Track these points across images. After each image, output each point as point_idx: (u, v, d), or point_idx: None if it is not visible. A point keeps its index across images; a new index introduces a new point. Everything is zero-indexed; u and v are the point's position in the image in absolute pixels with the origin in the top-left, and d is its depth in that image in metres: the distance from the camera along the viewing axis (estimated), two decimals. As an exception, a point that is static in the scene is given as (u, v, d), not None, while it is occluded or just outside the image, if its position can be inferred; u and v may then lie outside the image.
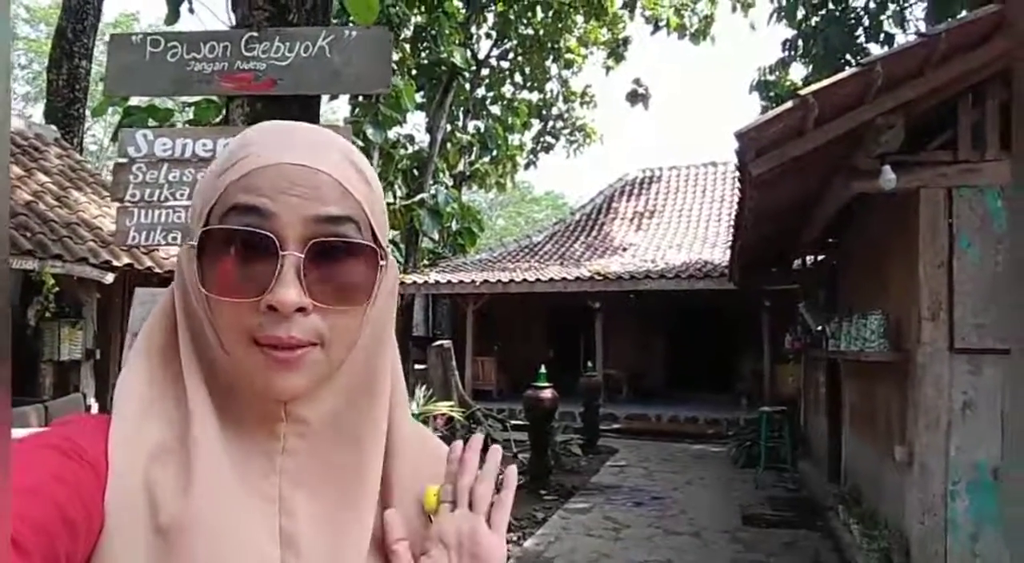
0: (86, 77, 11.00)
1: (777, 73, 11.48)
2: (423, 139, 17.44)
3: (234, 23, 3.12)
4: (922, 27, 9.60)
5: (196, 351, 0.61)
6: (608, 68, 18.46)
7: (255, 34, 2.79)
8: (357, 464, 0.63)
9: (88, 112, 10.92)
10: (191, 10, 4.57)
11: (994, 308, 4.06)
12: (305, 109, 3.00)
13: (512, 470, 0.75)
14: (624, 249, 15.71)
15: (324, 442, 0.63)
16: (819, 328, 6.97)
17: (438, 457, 0.71)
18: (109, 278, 7.02)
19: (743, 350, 13.85)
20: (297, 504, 0.60)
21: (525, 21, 17.53)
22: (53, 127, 9.74)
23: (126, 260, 7.13)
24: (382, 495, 0.65)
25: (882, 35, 10.14)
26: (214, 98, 4.95)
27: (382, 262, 0.62)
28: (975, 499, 4.06)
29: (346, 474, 0.63)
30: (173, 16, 4.42)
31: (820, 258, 8.16)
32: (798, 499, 7.48)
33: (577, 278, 13.50)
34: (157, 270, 7.52)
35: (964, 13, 4.78)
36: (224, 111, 3.54)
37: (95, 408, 6.96)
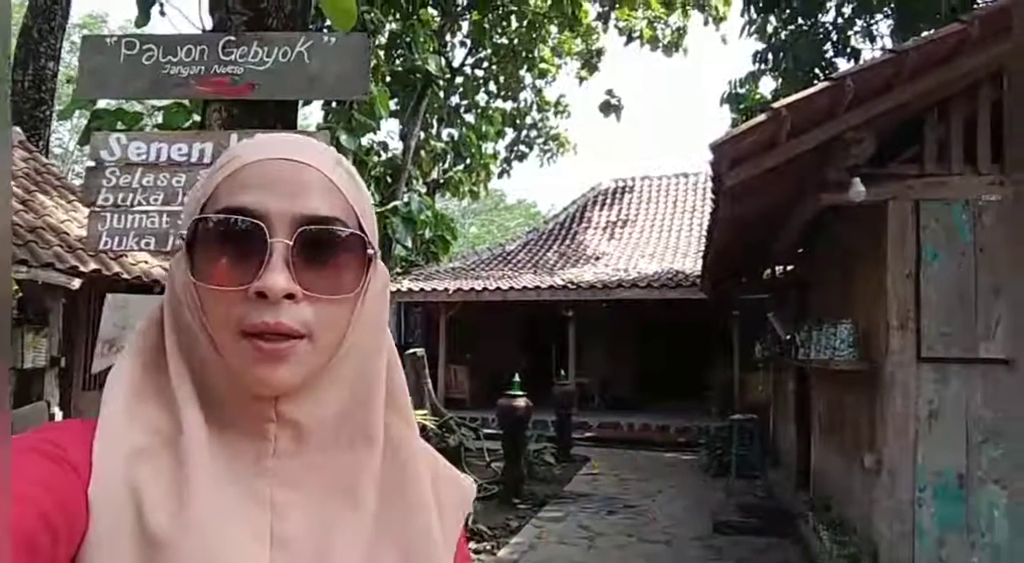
0: (52, 78, 10.78)
1: (747, 86, 11.66)
2: (397, 146, 17.38)
3: (209, 27, 3.08)
4: (888, 43, 9.85)
5: (184, 352, 0.61)
6: (582, 79, 18.59)
7: (232, 38, 2.76)
8: (349, 467, 0.63)
9: (54, 114, 10.70)
10: (162, 13, 4.51)
11: (960, 318, 4.16)
12: (282, 114, 2.97)
13: None
14: (597, 258, 15.80)
15: (316, 444, 0.62)
16: (788, 337, 7.07)
17: (450, 478, 0.72)
18: (76, 284, 6.86)
19: (714, 359, 13.98)
20: (288, 506, 0.60)
21: (500, 30, 17.58)
22: (18, 129, 9.52)
23: (93, 265, 6.98)
24: (392, 500, 0.64)
25: (849, 50, 10.36)
26: (184, 102, 4.87)
27: (371, 252, 0.62)
28: (941, 506, 4.15)
29: (338, 477, 0.62)
30: (144, 18, 4.34)
31: (790, 268, 8.28)
32: (768, 507, 7.55)
33: (550, 287, 13.54)
34: (125, 276, 7.37)
35: (928, 31, 4.92)
36: (197, 116, 3.50)
37: (59, 417, 6.78)
